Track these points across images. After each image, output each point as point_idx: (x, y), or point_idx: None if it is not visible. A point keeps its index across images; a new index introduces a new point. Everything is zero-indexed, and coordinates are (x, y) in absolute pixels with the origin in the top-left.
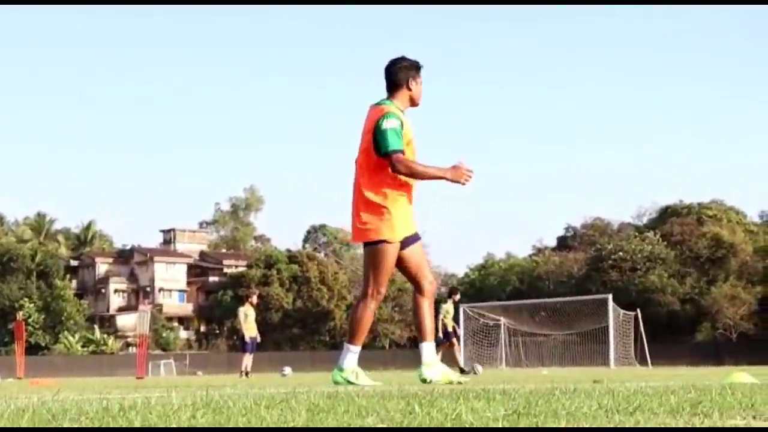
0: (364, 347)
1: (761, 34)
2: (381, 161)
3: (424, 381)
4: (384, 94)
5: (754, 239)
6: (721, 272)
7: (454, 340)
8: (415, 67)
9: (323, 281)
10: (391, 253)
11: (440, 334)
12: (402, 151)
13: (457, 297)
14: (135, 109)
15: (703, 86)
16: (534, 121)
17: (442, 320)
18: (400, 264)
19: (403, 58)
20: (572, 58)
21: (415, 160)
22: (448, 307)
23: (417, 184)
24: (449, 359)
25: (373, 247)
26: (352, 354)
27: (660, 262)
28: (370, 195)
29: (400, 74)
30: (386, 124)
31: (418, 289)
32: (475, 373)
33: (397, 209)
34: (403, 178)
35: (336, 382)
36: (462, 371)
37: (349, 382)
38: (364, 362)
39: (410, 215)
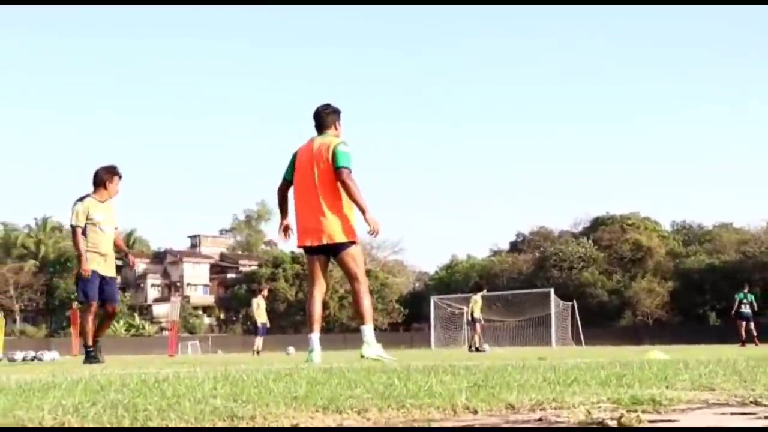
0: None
1: (678, 63)
2: (334, 175)
3: (362, 357)
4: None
5: (666, 243)
6: (640, 270)
7: (478, 325)
8: (339, 113)
9: None
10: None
11: (469, 318)
12: (351, 170)
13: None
14: (168, 141)
15: (623, 121)
16: (489, 146)
17: (472, 308)
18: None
19: (329, 105)
20: (524, 82)
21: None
22: (477, 298)
23: None
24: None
25: (355, 246)
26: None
27: (592, 262)
28: (336, 203)
29: (329, 118)
30: (345, 148)
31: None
32: (484, 351)
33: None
34: (342, 190)
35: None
36: (477, 349)
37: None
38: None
39: None
